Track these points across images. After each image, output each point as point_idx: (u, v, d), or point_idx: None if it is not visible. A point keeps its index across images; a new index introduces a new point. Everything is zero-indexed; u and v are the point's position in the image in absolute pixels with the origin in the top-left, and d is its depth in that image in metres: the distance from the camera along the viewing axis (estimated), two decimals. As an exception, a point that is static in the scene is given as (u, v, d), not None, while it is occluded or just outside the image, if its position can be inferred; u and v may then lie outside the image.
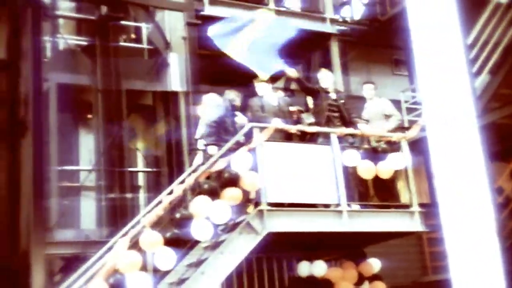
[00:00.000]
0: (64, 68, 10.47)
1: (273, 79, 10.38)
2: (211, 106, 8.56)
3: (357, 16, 15.47)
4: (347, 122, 8.66)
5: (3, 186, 9.32)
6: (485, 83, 11.56)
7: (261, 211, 7.27)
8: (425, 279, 12.05)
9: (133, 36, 12.05)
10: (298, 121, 9.19)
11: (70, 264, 8.90)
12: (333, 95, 8.86)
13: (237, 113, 8.67)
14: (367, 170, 8.05)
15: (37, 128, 9.00)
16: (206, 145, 8.22)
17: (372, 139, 8.59)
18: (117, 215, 9.29)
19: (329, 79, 9.01)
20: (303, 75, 11.40)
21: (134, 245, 6.89)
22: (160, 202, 7.77)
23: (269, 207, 7.30)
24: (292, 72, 8.83)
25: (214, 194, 7.24)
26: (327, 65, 11.85)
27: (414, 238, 11.32)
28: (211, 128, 8.29)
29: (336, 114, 8.72)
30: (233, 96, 8.70)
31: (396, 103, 13.75)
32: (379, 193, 8.23)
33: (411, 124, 10.76)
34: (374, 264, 8.68)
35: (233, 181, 7.36)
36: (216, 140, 8.21)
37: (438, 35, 8.99)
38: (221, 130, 8.32)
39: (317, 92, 8.89)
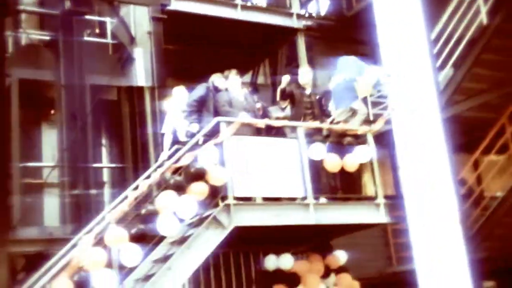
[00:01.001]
0: (26, 63, 10.27)
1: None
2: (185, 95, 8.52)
3: (323, 11, 15.55)
4: (317, 117, 8.72)
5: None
6: (449, 77, 11.73)
7: (227, 205, 7.25)
8: (390, 270, 12.19)
9: (97, 31, 11.89)
10: (264, 116, 9.19)
11: (34, 262, 8.74)
12: (308, 91, 8.91)
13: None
14: (333, 163, 8.09)
15: (-1, 123, 8.82)
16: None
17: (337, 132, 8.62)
18: (81, 212, 9.16)
19: (308, 76, 9.05)
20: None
21: (99, 241, 6.81)
22: (125, 197, 7.70)
23: (235, 201, 7.29)
24: (285, 79, 8.86)
25: (180, 189, 7.20)
26: (294, 60, 11.89)
27: (379, 229, 11.44)
28: (191, 108, 8.30)
29: (309, 111, 8.79)
30: (216, 78, 8.67)
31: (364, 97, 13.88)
32: (345, 186, 8.28)
33: (376, 117, 10.85)
34: (340, 256, 8.74)
35: (200, 175, 7.33)
36: (198, 119, 8.23)
37: (403, 29, 9.11)
38: (203, 110, 8.31)
39: (292, 95, 8.93)
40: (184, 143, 7.95)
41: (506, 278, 11.30)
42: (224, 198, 7.34)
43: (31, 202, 9.81)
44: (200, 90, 8.49)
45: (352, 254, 8.95)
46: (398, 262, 12.12)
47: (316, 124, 8.49)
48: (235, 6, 11.07)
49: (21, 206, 9.36)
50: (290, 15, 11.62)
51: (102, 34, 11.53)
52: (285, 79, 8.88)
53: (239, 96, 8.64)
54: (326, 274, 8.57)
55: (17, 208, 9.17)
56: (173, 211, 7.03)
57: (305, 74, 9.06)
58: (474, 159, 11.77)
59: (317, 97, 9.01)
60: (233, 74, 8.70)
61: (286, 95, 8.93)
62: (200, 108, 8.36)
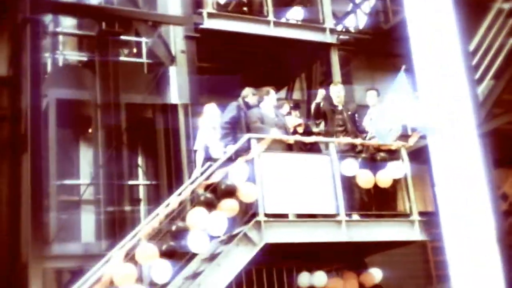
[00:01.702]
0: (63, 83, 10.52)
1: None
2: (216, 112, 8.58)
3: (361, 26, 15.50)
4: (350, 133, 8.63)
5: (5, 202, 9.37)
6: (488, 89, 11.46)
7: (258, 222, 7.22)
8: (430, 289, 11.93)
9: (134, 50, 12.11)
10: (307, 133, 9.14)
11: (71, 277, 8.88)
12: (339, 107, 8.84)
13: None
14: (366, 179, 7.98)
15: (35, 143, 9.01)
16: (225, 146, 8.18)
17: (371, 148, 8.50)
18: (116, 228, 9.27)
19: (340, 94, 8.97)
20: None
21: (131, 258, 6.86)
22: (157, 214, 7.74)
23: (266, 218, 7.25)
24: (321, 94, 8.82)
25: (211, 205, 7.20)
26: (328, 75, 11.82)
27: (419, 247, 11.21)
28: (225, 129, 8.34)
29: (341, 128, 8.71)
30: (249, 93, 8.67)
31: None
32: (379, 202, 8.15)
33: (413, 131, 10.68)
34: (375, 274, 8.57)
35: (231, 192, 7.33)
36: (233, 139, 8.23)
37: (437, 44, 8.94)
38: (237, 129, 8.34)
39: (324, 114, 8.87)
40: (216, 160, 7.97)
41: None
42: (254, 215, 7.31)
43: (68, 218, 9.98)
44: (231, 110, 8.51)
45: (390, 272, 8.78)
46: (438, 280, 11.84)
47: (349, 139, 8.38)
48: (268, 22, 11.09)
49: (58, 223, 9.53)
50: (323, 30, 11.56)
51: (138, 54, 11.72)
52: (320, 93, 8.81)
53: (270, 113, 8.62)
54: (360, 293, 8.42)
55: (54, 225, 9.34)
56: (204, 228, 7.04)
57: (336, 92, 8.97)
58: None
59: (349, 113, 8.91)
60: (270, 92, 8.69)
61: (320, 113, 8.86)
62: (233, 128, 8.37)
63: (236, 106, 8.56)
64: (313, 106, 9.11)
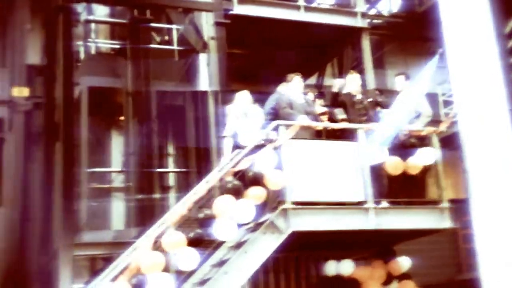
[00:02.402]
0: (95, 71, 10.62)
1: (303, 76, 10.25)
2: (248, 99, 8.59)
3: (395, 9, 15.21)
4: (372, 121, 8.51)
5: (39, 189, 9.55)
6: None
7: (285, 210, 7.20)
8: (460, 277, 11.70)
9: (166, 37, 12.14)
10: (330, 121, 9.06)
11: (101, 265, 9.01)
12: (358, 96, 8.72)
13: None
14: (395, 166, 7.86)
15: (67, 132, 9.15)
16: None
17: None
18: (146, 216, 9.34)
19: (356, 82, 8.87)
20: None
21: (158, 245, 6.92)
22: (185, 202, 7.78)
23: (293, 206, 7.22)
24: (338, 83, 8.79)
25: (238, 193, 7.21)
26: (360, 60, 11.66)
27: (449, 234, 11.01)
28: (270, 116, 8.28)
29: (364, 117, 8.60)
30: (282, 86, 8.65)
31: (434, 96, 13.46)
32: (408, 190, 8.02)
33: (446, 117, 10.48)
34: (403, 263, 8.46)
35: (258, 180, 7.32)
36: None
37: (470, 28, 8.68)
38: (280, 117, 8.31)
39: (345, 104, 8.79)
40: (244, 147, 7.95)
41: None
42: (281, 202, 7.28)
43: (98, 206, 10.12)
44: (271, 101, 8.49)
45: (419, 260, 8.67)
46: (469, 269, 11.62)
47: (377, 125, 8.24)
48: (298, 7, 10.99)
49: (88, 210, 9.67)
50: (355, 14, 11.39)
51: (169, 41, 11.75)
52: (338, 83, 8.72)
53: (299, 99, 8.55)
54: (388, 281, 8.33)
55: (84, 212, 9.48)
56: (231, 216, 7.05)
57: (352, 81, 8.84)
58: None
59: (369, 100, 8.76)
60: (297, 78, 8.63)
61: (337, 103, 8.77)
62: (274, 118, 8.32)
63: (275, 98, 8.53)
64: (330, 96, 9.05)
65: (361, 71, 10.62)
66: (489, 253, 7.39)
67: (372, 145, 7.88)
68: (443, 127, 8.40)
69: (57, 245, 8.55)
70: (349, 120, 8.65)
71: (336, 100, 8.84)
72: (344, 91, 8.84)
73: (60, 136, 9.19)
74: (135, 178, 9.87)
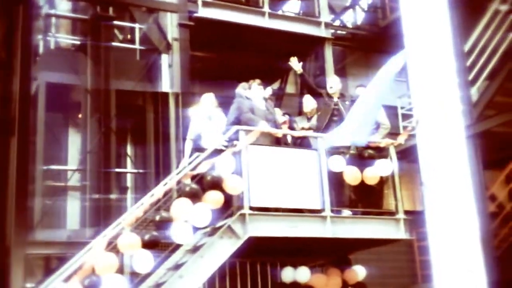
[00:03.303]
0: (55, 67, 10.42)
1: (265, 82, 10.28)
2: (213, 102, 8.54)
3: (359, 21, 15.41)
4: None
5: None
6: (481, 90, 11.42)
7: (243, 215, 7.17)
8: None
9: (128, 36, 12.01)
10: (290, 128, 9.10)
11: (54, 264, 8.83)
12: (335, 99, 8.82)
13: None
14: (353, 175, 7.94)
15: (23, 126, 8.94)
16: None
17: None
18: (101, 216, 9.20)
19: (337, 85, 8.96)
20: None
21: (113, 247, 6.81)
22: (142, 204, 7.69)
23: (251, 211, 7.20)
24: (297, 66, 8.75)
25: (195, 197, 7.15)
26: (323, 69, 11.76)
27: (405, 245, 11.20)
28: (233, 124, 8.19)
29: (336, 118, 8.68)
30: (241, 88, 8.63)
31: (393, 109, 13.68)
32: (365, 200, 8.10)
33: (404, 130, 10.64)
34: (359, 272, 8.54)
35: (216, 184, 7.27)
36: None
37: (431, 43, 8.84)
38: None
39: (320, 95, 8.87)
40: (205, 151, 7.90)
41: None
42: (239, 207, 7.26)
43: (53, 204, 9.91)
44: (233, 110, 8.46)
45: (376, 270, 8.76)
46: (423, 280, 11.84)
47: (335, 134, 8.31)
48: (262, 13, 11.01)
49: (43, 208, 9.46)
50: (319, 24, 11.48)
51: (131, 40, 11.62)
52: (297, 66, 8.78)
53: (260, 105, 8.56)
54: (343, 289, 8.39)
55: (38, 210, 9.27)
56: (187, 219, 6.99)
57: (333, 83, 8.94)
58: (505, 175, 11.43)
59: (346, 102, 8.88)
60: (256, 84, 8.63)
61: (312, 90, 8.94)
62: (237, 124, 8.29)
63: (237, 102, 8.50)
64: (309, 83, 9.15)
65: (322, 80, 10.72)
66: (443, 265, 7.54)
67: (331, 153, 7.95)
68: (401, 139, 8.50)
69: (9, 243, 8.32)
70: (319, 120, 8.70)
71: (309, 85, 8.89)
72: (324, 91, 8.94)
73: (16, 131, 8.97)
74: (91, 177, 9.71)
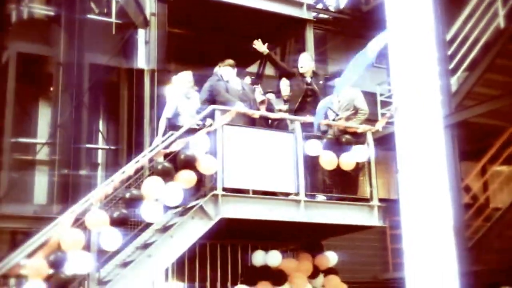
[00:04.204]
0: (27, 37, 10.10)
1: (244, 63, 10.12)
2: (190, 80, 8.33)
3: (342, 5, 15.23)
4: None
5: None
6: (461, 80, 11.40)
7: (215, 196, 7.02)
8: (385, 276, 11.90)
9: (104, 10, 11.69)
10: (269, 109, 8.96)
11: (20, 238, 8.59)
12: (308, 79, 8.65)
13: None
14: (328, 160, 7.82)
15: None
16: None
17: (336, 128, 8.33)
18: (69, 192, 8.97)
19: (308, 63, 8.77)
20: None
21: (80, 223, 6.62)
22: (112, 181, 7.50)
23: (224, 192, 7.06)
24: (262, 48, 8.57)
25: (167, 175, 6.97)
26: (302, 52, 11.57)
27: (378, 233, 11.17)
28: (206, 102, 8.05)
29: (310, 99, 8.53)
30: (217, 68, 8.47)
31: (372, 96, 13.61)
32: (340, 185, 8.00)
33: (383, 117, 10.56)
34: (330, 257, 8.46)
35: (189, 163, 7.10)
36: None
37: (413, 31, 8.73)
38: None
39: (292, 75, 8.71)
40: (179, 129, 7.73)
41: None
42: (212, 188, 7.10)
43: (21, 178, 9.62)
44: (206, 88, 8.27)
45: (348, 257, 8.69)
46: (395, 268, 11.83)
47: (310, 119, 8.18)
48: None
49: (9, 181, 9.19)
50: (301, 5, 11.28)
51: (107, 13, 11.31)
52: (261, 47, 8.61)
53: (235, 85, 8.39)
54: (314, 274, 8.29)
55: (5, 183, 9.00)
56: (158, 198, 6.81)
57: (304, 61, 8.77)
58: (481, 167, 11.44)
59: (320, 82, 8.74)
60: (227, 64, 8.46)
61: (282, 70, 8.83)
62: (210, 103, 8.12)
63: (213, 80, 8.32)
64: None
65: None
66: (415, 254, 7.48)
67: (308, 137, 7.83)
68: (379, 125, 8.40)
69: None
70: (290, 102, 8.55)
71: (279, 65, 8.80)
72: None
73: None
74: (61, 152, 9.45)
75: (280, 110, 9.03)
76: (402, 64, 8.74)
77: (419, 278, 7.08)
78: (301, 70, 8.70)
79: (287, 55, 11.96)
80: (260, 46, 8.66)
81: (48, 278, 6.20)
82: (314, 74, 8.87)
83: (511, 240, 10.10)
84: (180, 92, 8.51)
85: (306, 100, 8.51)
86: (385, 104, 13.56)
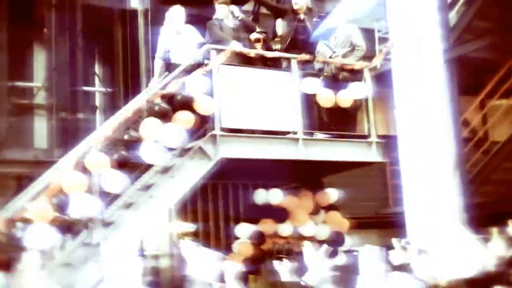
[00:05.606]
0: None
1: (240, 1, 9.92)
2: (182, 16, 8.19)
3: None
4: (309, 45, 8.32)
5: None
6: (459, 14, 11.24)
7: (214, 136, 7.04)
8: (386, 211, 12.04)
9: None
10: (266, 48, 8.84)
11: (21, 183, 8.64)
12: (302, 16, 8.50)
13: None
14: (326, 98, 7.79)
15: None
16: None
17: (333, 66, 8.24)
18: (69, 135, 8.97)
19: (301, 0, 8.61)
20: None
21: (81, 166, 6.65)
22: (111, 123, 7.49)
23: (222, 132, 7.06)
24: None
25: (165, 116, 6.96)
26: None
27: (377, 169, 11.21)
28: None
29: (302, 37, 8.41)
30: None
31: (370, 32, 13.39)
32: (338, 123, 7.99)
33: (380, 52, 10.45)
34: (331, 194, 8.56)
35: (187, 104, 7.08)
36: None
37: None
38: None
39: (284, 12, 8.55)
40: (175, 68, 7.64)
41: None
42: (211, 128, 7.10)
43: (19, 123, 9.58)
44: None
45: (349, 193, 8.77)
46: (395, 203, 11.95)
47: (311, 57, 8.11)
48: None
49: (8, 126, 9.15)
50: None
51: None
52: None
53: (230, 24, 8.26)
54: (315, 211, 8.42)
55: (4, 129, 8.98)
56: (157, 139, 6.82)
57: None
58: (480, 101, 11.42)
59: (314, 19, 8.60)
60: (222, 1, 8.30)
61: (273, 9, 8.66)
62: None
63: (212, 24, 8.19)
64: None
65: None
66: (413, 188, 7.58)
67: (305, 75, 7.78)
68: (376, 61, 8.32)
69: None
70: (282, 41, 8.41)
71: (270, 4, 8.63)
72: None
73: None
74: (58, 95, 9.39)
75: (275, 50, 8.93)
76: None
77: (417, 212, 7.21)
78: (295, 7, 8.53)
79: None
80: None
81: (53, 221, 6.26)
82: (309, 10, 8.69)
83: (509, 172, 10.20)
84: (171, 28, 8.36)
85: (297, 38, 8.37)
86: (383, 40, 13.36)
